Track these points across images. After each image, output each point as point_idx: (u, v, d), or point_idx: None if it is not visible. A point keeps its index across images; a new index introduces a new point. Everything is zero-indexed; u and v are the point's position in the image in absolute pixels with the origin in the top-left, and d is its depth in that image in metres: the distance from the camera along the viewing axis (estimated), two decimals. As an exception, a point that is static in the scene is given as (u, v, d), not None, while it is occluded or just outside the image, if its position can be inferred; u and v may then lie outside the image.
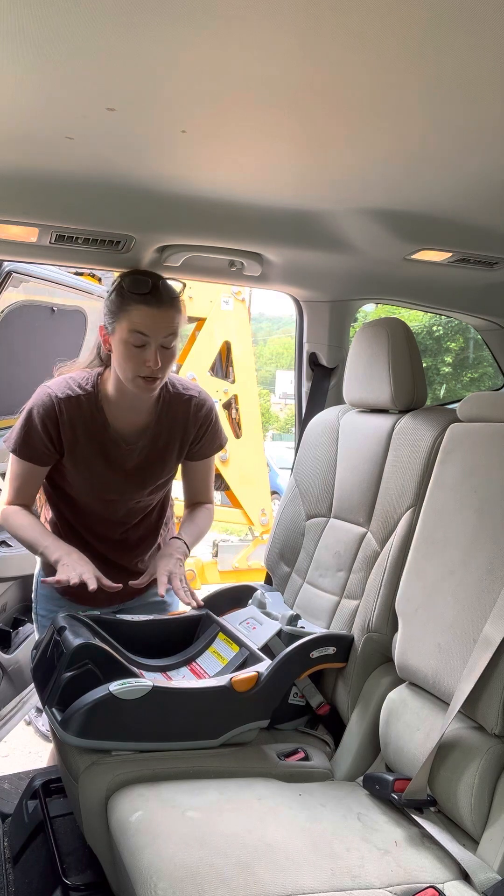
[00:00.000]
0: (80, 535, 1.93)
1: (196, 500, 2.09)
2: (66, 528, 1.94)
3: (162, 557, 1.87)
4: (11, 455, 1.85)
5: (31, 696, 2.61)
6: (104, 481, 1.86)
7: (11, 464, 1.87)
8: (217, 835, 1.31)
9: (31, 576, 2.09)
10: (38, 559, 2.05)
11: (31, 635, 2.57)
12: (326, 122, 1.19)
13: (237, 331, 5.16)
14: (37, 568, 2.06)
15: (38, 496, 1.98)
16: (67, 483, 1.88)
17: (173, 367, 1.82)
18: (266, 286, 2.33)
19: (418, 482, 1.71)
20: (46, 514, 1.98)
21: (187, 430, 1.93)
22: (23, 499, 1.89)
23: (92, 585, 1.69)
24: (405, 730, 1.53)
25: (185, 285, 1.87)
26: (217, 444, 2.01)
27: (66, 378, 1.85)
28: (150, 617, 1.94)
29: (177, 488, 2.13)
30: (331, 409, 2.17)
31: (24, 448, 1.82)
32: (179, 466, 2.03)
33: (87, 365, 1.90)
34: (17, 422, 1.84)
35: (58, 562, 1.75)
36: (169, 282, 1.80)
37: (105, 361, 1.86)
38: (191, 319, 4.91)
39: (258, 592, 2.06)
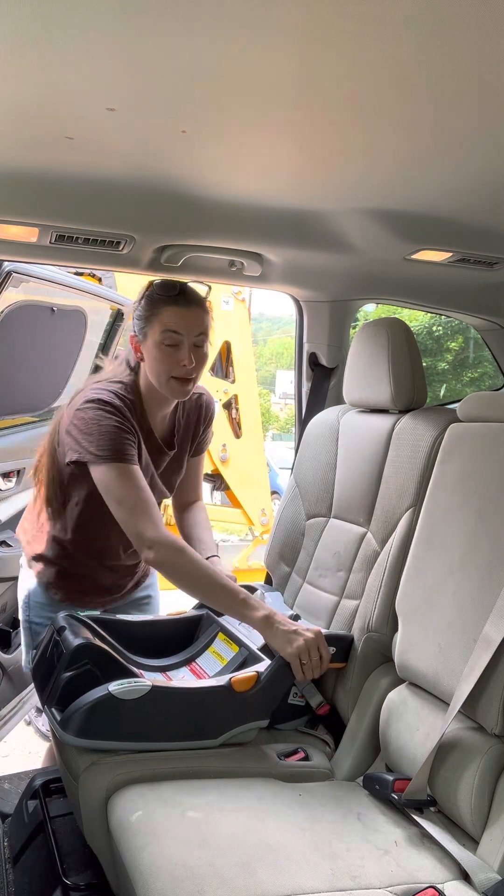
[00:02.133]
0: (90, 543, 1.90)
1: (191, 499, 2.11)
2: (74, 537, 1.89)
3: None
4: (119, 470, 1.67)
5: (31, 696, 2.60)
6: (153, 486, 1.85)
7: (124, 483, 1.67)
8: (217, 835, 1.31)
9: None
10: (25, 566, 1.99)
11: (31, 635, 2.56)
12: (326, 122, 1.19)
13: (237, 331, 5.16)
14: (27, 579, 1.99)
15: (33, 506, 1.95)
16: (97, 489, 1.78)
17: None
18: (266, 286, 2.33)
19: (418, 482, 1.71)
20: (45, 524, 1.93)
21: (198, 428, 2.00)
22: (158, 512, 1.74)
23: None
24: (405, 730, 1.53)
25: (210, 289, 1.88)
26: (209, 439, 2.09)
27: (103, 388, 1.77)
28: (150, 617, 1.94)
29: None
30: (331, 409, 2.17)
31: (126, 451, 1.69)
32: None
33: (114, 376, 1.85)
34: (96, 435, 1.68)
35: (291, 640, 1.60)
36: (194, 285, 1.83)
37: (135, 370, 1.85)
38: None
39: (258, 592, 2.06)
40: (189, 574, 1.69)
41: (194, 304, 1.77)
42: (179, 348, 1.73)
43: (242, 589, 1.71)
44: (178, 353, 1.73)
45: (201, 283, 1.91)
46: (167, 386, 1.76)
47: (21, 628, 2.04)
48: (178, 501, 2.10)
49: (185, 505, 2.10)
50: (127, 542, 1.83)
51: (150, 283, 1.82)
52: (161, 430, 1.90)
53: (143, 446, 1.82)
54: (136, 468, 1.72)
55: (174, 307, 1.74)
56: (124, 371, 1.86)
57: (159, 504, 1.93)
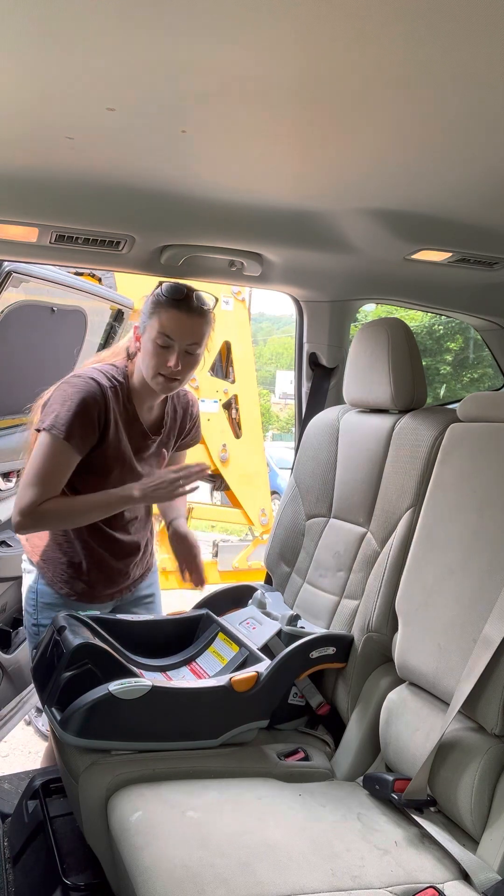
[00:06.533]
0: (94, 527, 1.93)
1: None
2: None
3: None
4: (54, 444, 1.76)
5: (31, 696, 2.60)
6: (129, 469, 1.92)
7: (50, 454, 1.77)
8: (217, 835, 1.31)
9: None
10: (33, 570, 2.00)
11: (31, 635, 2.56)
12: (326, 122, 1.19)
13: (237, 331, 5.15)
14: (34, 580, 1.99)
15: None
16: (91, 470, 1.86)
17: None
18: (266, 286, 2.33)
19: (418, 482, 1.71)
20: None
21: (183, 424, 2.06)
22: (56, 491, 1.80)
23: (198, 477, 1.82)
24: (405, 730, 1.53)
25: (217, 300, 1.91)
26: (197, 438, 2.15)
27: (96, 368, 1.88)
28: (151, 617, 1.94)
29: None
30: (331, 409, 2.17)
31: (78, 435, 1.77)
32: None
33: (112, 359, 1.95)
34: (63, 409, 1.77)
35: (143, 490, 1.79)
36: (205, 295, 1.85)
37: (132, 357, 1.93)
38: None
39: (258, 592, 2.06)
40: (59, 513, 1.80)
41: (194, 313, 1.81)
42: (170, 351, 1.80)
43: (104, 497, 1.82)
44: (168, 354, 1.80)
45: (209, 293, 1.91)
46: (153, 380, 1.84)
47: (27, 633, 2.01)
48: None
49: None
50: (113, 517, 1.91)
51: (160, 283, 1.85)
52: (148, 417, 1.95)
53: (123, 430, 1.88)
54: (68, 448, 1.78)
55: (174, 311, 1.79)
56: (122, 356, 1.95)
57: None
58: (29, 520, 1.78)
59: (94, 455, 1.84)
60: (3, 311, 2.24)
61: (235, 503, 5.29)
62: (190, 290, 1.83)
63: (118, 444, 1.87)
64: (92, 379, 1.83)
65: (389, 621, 1.70)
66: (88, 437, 1.81)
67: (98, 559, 1.95)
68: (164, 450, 2.00)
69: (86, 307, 2.81)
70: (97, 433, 1.83)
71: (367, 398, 1.94)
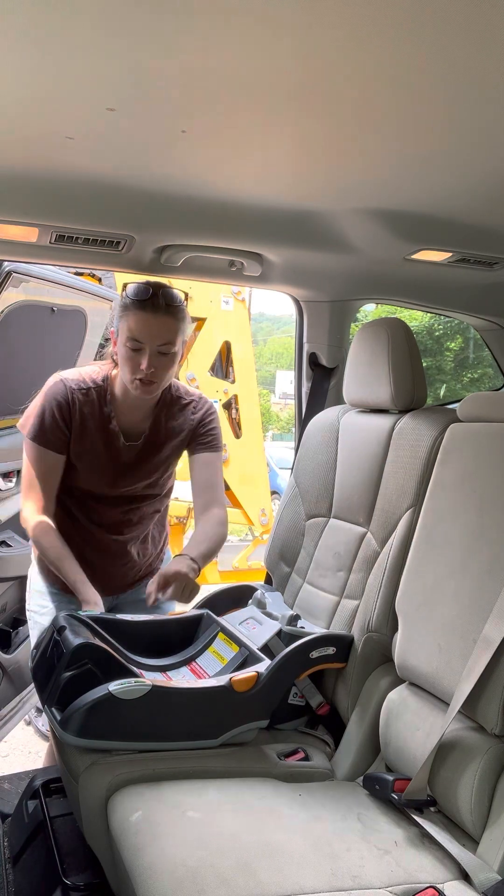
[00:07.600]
0: (77, 519, 1.97)
1: (200, 501, 1.98)
2: (65, 513, 1.97)
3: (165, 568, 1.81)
4: (29, 446, 1.87)
5: (31, 696, 2.61)
6: (103, 471, 1.91)
7: (30, 457, 1.87)
8: (217, 835, 1.31)
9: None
10: (33, 558, 2.07)
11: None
12: (326, 122, 1.19)
13: (237, 331, 5.16)
14: (32, 567, 2.07)
15: None
16: (72, 471, 1.91)
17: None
18: (266, 286, 2.33)
19: (418, 482, 1.71)
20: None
21: (184, 432, 1.97)
22: (48, 494, 1.87)
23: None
24: (405, 730, 1.53)
25: (187, 295, 1.89)
26: (215, 441, 2.01)
27: (79, 370, 1.92)
28: (150, 617, 1.94)
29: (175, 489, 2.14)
30: (331, 409, 2.18)
31: (42, 434, 1.85)
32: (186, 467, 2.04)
33: (100, 363, 1.97)
34: (32, 411, 1.88)
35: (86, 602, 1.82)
36: (173, 291, 1.82)
37: (117, 362, 1.92)
38: (191, 319, 4.96)
39: (258, 592, 2.06)
40: (40, 545, 1.87)
41: (161, 312, 1.77)
42: (141, 353, 1.77)
43: (78, 572, 1.84)
44: (140, 357, 1.77)
45: (179, 290, 1.89)
46: (131, 385, 1.82)
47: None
48: (195, 503, 2.03)
49: (200, 509, 1.97)
50: (107, 515, 1.93)
51: (125, 285, 1.84)
52: (129, 421, 1.92)
53: (97, 433, 1.89)
54: (42, 448, 1.86)
55: (141, 313, 1.76)
56: (108, 359, 1.95)
57: (125, 499, 1.97)
58: (28, 532, 1.88)
59: (68, 454, 1.89)
60: (3, 311, 2.25)
61: (235, 503, 5.30)
62: (157, 289, 1.79)
63: (89, 447, 1.88)
64: (60, 379, 1.88)
65: (389, 621, 1.70)
66: (55, 434, 1.85)
67: (78, 553, 1.95)
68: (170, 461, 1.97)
69: (86, 307, 2.81)
70: (65, 432, 1.86)
71: (367, 398, 1.94)
